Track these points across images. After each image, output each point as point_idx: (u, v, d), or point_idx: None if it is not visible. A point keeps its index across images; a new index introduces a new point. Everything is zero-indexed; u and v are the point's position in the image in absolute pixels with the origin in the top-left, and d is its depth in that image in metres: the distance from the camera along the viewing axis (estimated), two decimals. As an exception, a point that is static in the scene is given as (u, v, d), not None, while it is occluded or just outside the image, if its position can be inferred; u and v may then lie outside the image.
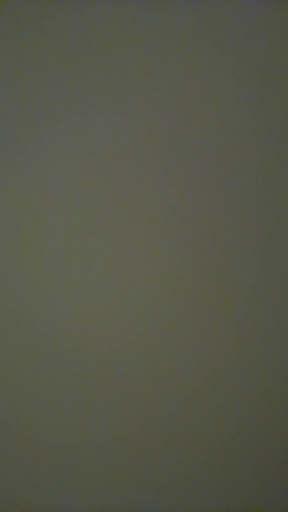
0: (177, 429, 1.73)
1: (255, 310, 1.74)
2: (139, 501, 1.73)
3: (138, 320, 1.74)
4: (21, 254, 1.76)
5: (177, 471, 1.73)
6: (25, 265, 1.75)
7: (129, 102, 1.77)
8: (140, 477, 1.73)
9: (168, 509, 1.72)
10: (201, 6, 1.76)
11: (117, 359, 1.73)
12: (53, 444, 1.73)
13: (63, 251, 1.75)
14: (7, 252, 1.76)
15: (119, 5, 1.77)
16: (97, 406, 1.73)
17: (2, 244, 1.76)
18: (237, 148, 1.76)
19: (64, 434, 1.73)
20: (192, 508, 1.72)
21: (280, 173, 1.76)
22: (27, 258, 1.75)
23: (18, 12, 1.78)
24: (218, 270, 1.75)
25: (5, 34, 1.78)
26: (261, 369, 1.73)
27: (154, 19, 1.77)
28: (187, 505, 1.72)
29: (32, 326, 1.74)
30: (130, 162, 1.76)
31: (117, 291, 1.74)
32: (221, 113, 1.76)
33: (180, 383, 1.73)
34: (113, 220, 1.76)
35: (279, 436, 1.73)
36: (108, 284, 1.75)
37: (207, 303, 1.74)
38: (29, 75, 1.78)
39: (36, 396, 1.73)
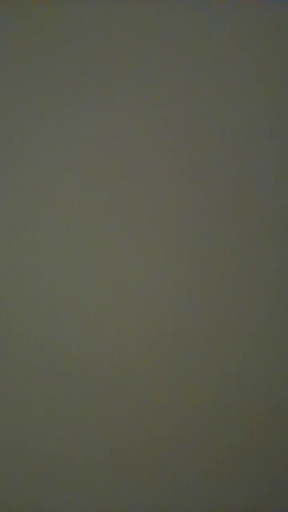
0: (177, 435, 1.73)
1: (259, 316, 1.74)
2: (138, 506, 1.72)
3: (139, 324, 1.73)
4: (19, 255, 1.75)
5: (177, 476, 1.72)
6: (24, 265, 1.75)
7: (130, 100, 1.76)
8: (139, 483, 1.72)
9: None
10: (201, 5, 1.76)
11: (117, 363, 1.73)
12: (52, 449, 1.73)
13: (63, 253, 1.75)
14: (5, 253, 1.75)
15: (120, 2, 1.77)
16: (97, 411, 1.73)
17: (2, 245, 1.76)
18: (240, 146, 1.76)
19: (63, 438, 1.73)
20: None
21: (285, 172, 1.76)
22: (26, 259, 1.75)
23: (18, 10, 1.78)
24: (220, 269, 1.75)
25: (5, 31, 1.78)
26: (265, 378, 1.73)
27: (155, 17, 1.77)
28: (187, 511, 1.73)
29: (30, 329, 1.73)
30: (131, 161, 1.76)
31: (118, 294, 1.74)
32: (222, 110, 1.76)
33: (181, 388, 1.73)
34: (114, 220, 1.75)
35: (281, 437, 1.73)
36: (109, 286, 1.74)
37: (209, 303, 1.74)
38: (29, 72, 1.78)
39: (35, 401, 1.73)
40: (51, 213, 1.76)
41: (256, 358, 1.73)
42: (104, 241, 1.75)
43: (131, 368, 1.73)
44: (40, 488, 1.72)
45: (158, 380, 1.73)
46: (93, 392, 1.73)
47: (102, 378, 1.73)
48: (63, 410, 1.73)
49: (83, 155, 1.77)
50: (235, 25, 1.77)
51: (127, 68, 1.77)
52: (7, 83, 1.77)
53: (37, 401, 1.73)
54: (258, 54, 1.77)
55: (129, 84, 1.77)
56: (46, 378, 1.73)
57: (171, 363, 1.73)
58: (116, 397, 1.73)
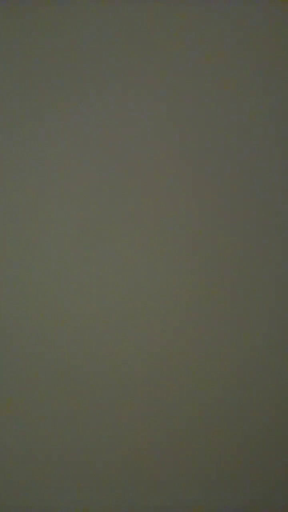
0: (177, 436, 1.73)
1: (261, 317, 1.74)
2: (138, 506, 1.72)
3: (139, 328, 1.73)
4: (20, 258, 1.75)
5: (177, 477, 1.73)
6: (24, 269, 1.75)
7: (131, 99, 1.76)
8: (139, 483, 1.72)
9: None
10: (202, 4, 1.77)
11: (118, 368, 1.73)
12: (52, 451, 1.72)
13: (63, 256, 1.75)
14: (5, 256, 1.75)
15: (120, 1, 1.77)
16: (98, 413, 1.73)
17: (1, 247, 1.76)
18: (242, 146, 1.76)
19: (64, 440, 1.73)
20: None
21: (284, 172, 1.76)
22: (26, 262, 1.75)
23: (18, 9, 1.78)
24: (221, 272, 1.75)
25: (5, 29, 1.78)
26: (265, 379, 1.73)
27: (155, 15, 1.77)
28: None
29: (31, 332, 1.73)
30: (131, 161, 1.76)
31: (119, 298, 1.74)
32: (223, 109, 1.76)
33: (182, 390, 1.73)
34: (114, 221, 1.75)
35: (281, 438, 1.73)
36: (110, 291, 1.74)
37: (211, 310, 1.74)
38: (29, 71, 1.77)
39: (36, 405, 1.73)
40: (51, 214, 1.76)
41: (258, 361, 1.73)
42: (104, 244, 1.75)
43: (132, 372, 1.73)
44: (40, 490, 1.72)
45: (159, 383, 1.73)
46: (94, 396, 1.73)
47: (103, 382, 1.73)
48: (64, 413, 1.73)
49: (83, 155, 1.76)
50: (236, 24, 1.77)
51: (127, 67, 1.77)
52: (7, 83, 1.77)
53: (38, 406, 1.73)
54: (259, 51, 1.77)
55: (130, 83, 1.77)
56: (47, 383, 1.73)
57: (171, 368, 1.73)
58: (117, 400, 1.73)
